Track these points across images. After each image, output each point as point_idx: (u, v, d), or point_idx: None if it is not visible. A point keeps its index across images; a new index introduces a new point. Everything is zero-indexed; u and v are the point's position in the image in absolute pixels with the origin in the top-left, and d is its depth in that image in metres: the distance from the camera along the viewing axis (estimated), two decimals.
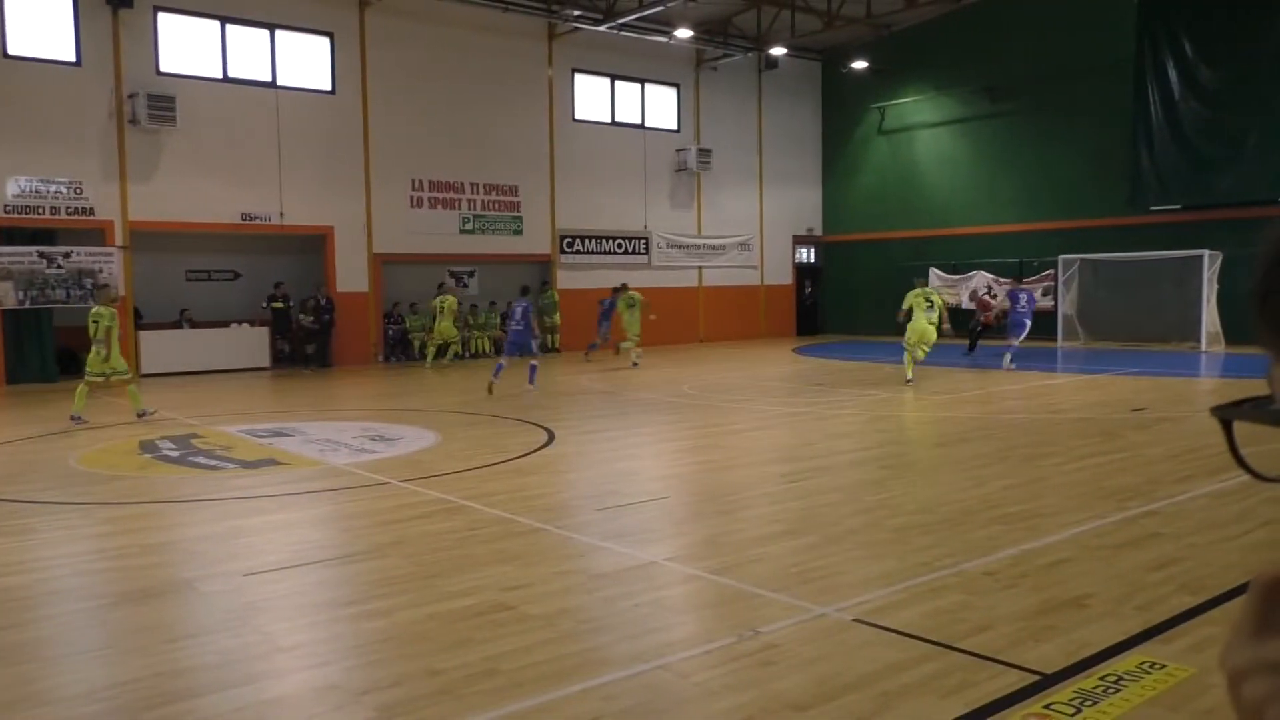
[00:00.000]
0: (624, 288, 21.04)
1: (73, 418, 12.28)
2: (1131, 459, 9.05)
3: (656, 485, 8.48)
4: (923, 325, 15.52)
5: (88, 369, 12.29)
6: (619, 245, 24.98)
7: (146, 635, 4.76)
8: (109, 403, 14.38)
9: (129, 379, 12.61)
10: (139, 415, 12.43)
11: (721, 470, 9.04)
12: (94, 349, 12.22)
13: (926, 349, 15.84)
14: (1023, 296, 18.15)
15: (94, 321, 12.21)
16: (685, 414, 12.92)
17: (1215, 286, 20.16)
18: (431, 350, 20.25)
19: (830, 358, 21.23)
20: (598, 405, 13.67)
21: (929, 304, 15.57)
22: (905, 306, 15.68)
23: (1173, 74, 21.69)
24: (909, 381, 15.52)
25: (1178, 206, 21.89)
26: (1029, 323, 18.00)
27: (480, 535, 6.57)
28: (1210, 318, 20.15)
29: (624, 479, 8.70)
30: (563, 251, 23.92)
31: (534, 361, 15.08)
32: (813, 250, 29.71)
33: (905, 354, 15.95)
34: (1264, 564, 0.75)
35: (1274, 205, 20.57)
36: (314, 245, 20.88)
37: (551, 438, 10.70)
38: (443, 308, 19.89)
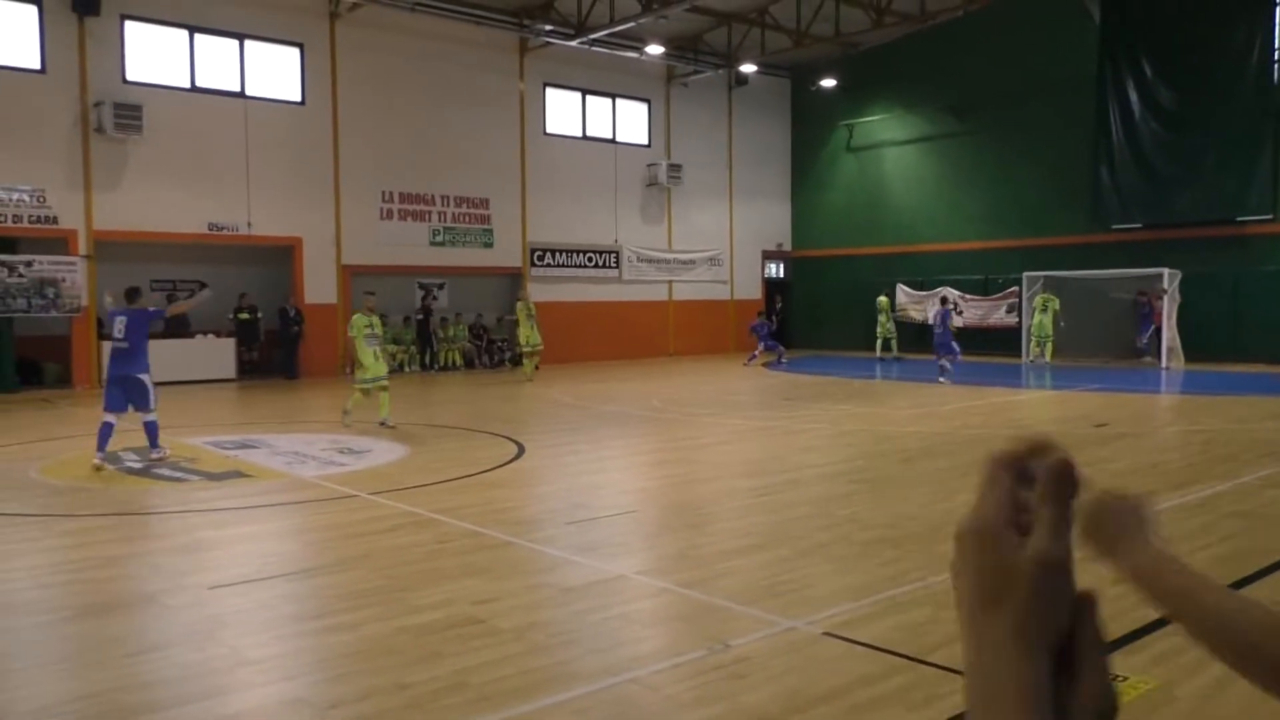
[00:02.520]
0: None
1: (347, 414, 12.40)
2: (1094, 474, 9.01)
3: (626, 499, 8.47)
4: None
5: (369, 374, 12.43)
6: (590, 259, 24.98)
7: (107, 649, 4.67)
8: (69, 413, 14.14)
9: (384, 385, 12.63)
10: (380, 423, 12.36)
11: (691, 484, 9.05)
12: (372, 353, 12.43)
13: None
14: (938, 316, 18.52)
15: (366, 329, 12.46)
16: (655, 428, 12.93)
17: (1177, 302, 20.49)
18: (528, 365, 19.69)
19: (799, 372, 21.33)
20: (567, 419, 13.64)
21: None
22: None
23: (1133, 94, 22.10)
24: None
25: (1138, 225, 22.27)
26: (956, 347, 18.32)
27: (449, 548, 6.52)
28: (1170, 334, 20.47)
29: (593, 492, 8.68)
30: (534, 264, 23.89)
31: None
32: (782, 265, 29.89)
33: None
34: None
35: (1230, 224, 21.00)
36: (282, 256, 20.72)
37: (521, 451, 10.66)
38: (529, 311, 19.72)
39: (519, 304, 20.29)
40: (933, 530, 6.92)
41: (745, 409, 15.12)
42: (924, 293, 25.92)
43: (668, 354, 26.49)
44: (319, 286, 20.80)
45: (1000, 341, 23.91)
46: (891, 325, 24.52)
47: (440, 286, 23.17)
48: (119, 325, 9.87)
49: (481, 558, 6.28)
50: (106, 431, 9.62)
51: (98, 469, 9.49)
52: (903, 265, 26.63)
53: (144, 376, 9.84)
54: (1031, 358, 21.91)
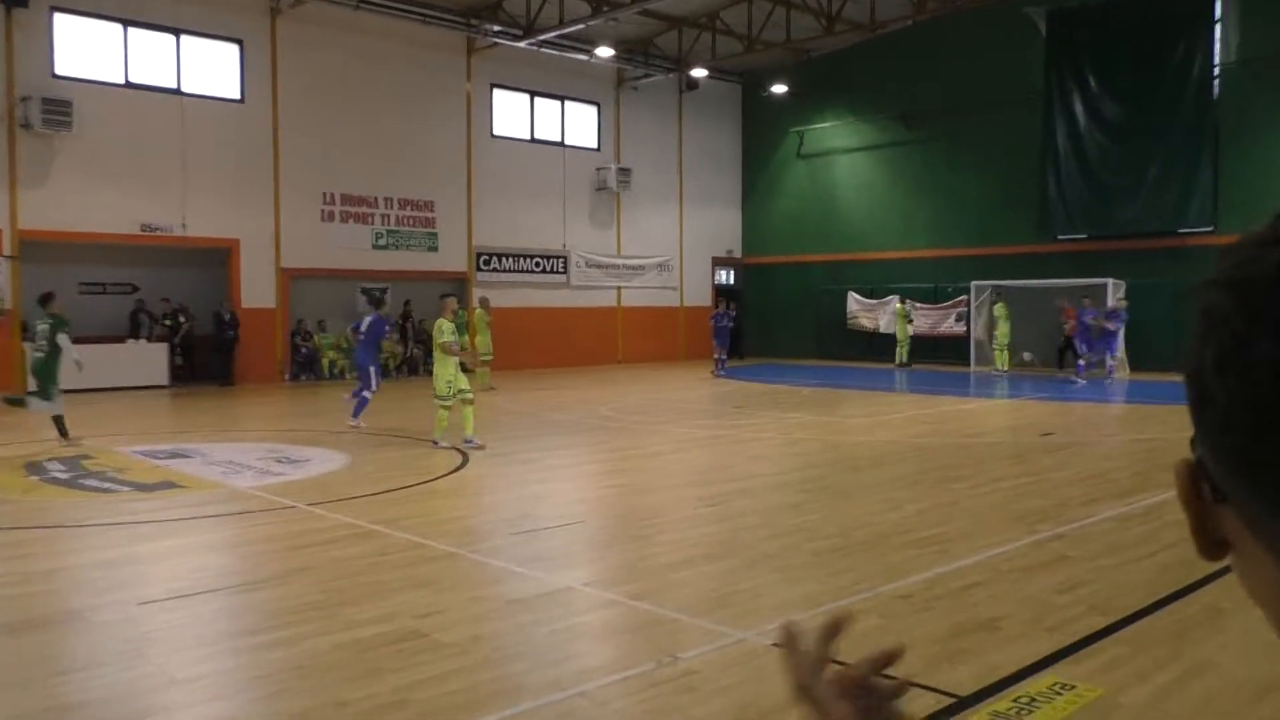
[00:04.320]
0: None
1: (469, 441, 11.32)
2: (1040, 483, 9.33)
3: (573, 509, 8.46)
4: None
5: (458, 385, 11.43)
6: (537, 264, 24.92)
7: (31, 668, 4.54)
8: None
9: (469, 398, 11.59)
10: (465, 442, 11.32)
11: (639, 494, 9.06)
12: (454, 363, 11.45)
13: None
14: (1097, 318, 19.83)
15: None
16: (602, 436, 12.93)
17: (1120, 315, 20.98)
18: (484, 374, 19.19)
19: (749, 380, 21.47)
20: (513, 427, 13.58)
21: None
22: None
23: (1079, 106, 22.62)
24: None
25: (1083, 235, 22.79)
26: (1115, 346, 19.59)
27: (391, 561, 6.45)
28: (1118, 344, 20.99)
29: (539, 502, 8.65)
30: (479, 269, 23.76)
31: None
32: (732, 272, 30.10)
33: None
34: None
35: (1172, 236, 21.58)
36: (218, 258, 20.35)
37: (465, 460, 10.59)
38: (488, 319, 19.42)
39: (478, 310, 20.17)
40: (882, 539, 7.00)
41: (696, 417, 15.18)
42: (874, 300, 26.23)
43: (616, 361, 26.50)
44: (257, 290, 20.46)
45: (950, 350, 24.29)
46: (908, 333, 24.56)
47: (384, 291, 22.94)
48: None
49: (424, 570, 6.22)
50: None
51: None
52: (854, 273, 26.94)
53: None
54: (1003, 367, 22.04)
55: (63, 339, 11.38)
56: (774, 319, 28.80)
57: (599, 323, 26.31)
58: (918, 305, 24.87)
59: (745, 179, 29.68)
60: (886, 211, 26.47)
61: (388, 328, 14.12)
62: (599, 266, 26.31)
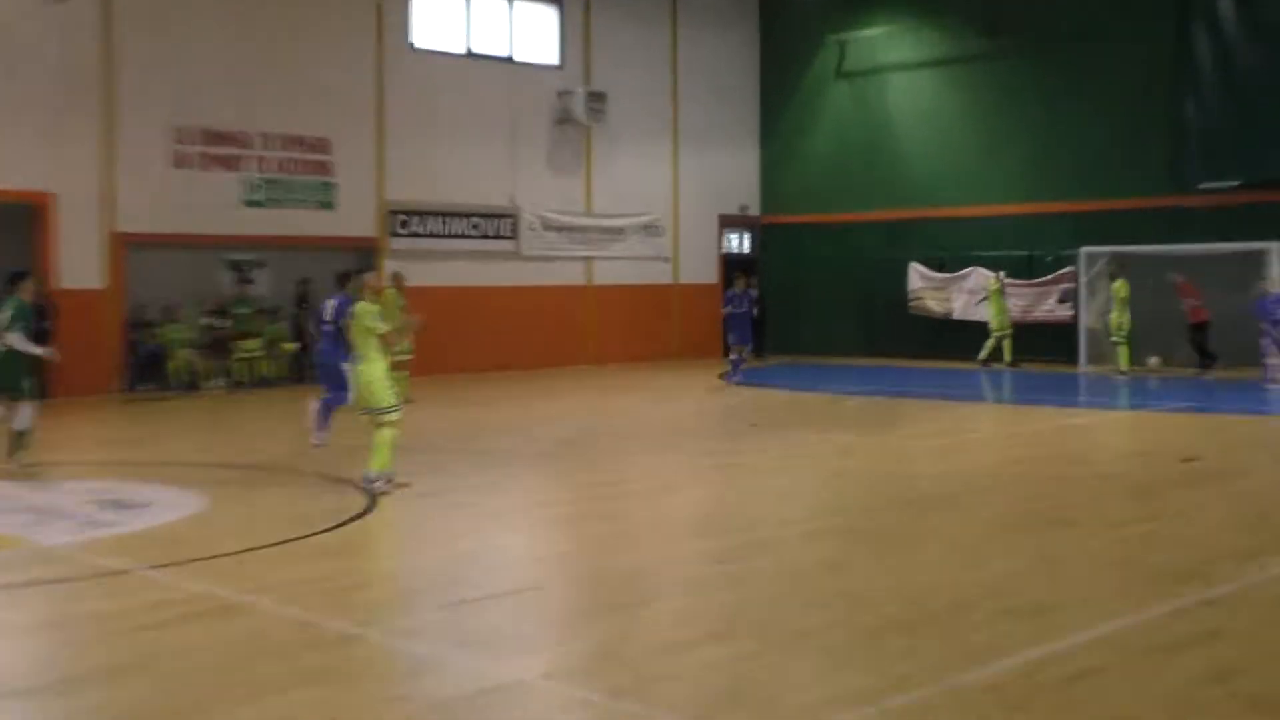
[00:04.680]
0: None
1: None
2: (1181, 528, 9.35)
3: (526, 570, 8.42)
4: None
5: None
6: (474, 226, 24.83)
7: None
8: None
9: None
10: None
11: (619, 548, 9.02)
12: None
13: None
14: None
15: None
16: (567, 468, 12.85)
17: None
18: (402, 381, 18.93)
19: (771, 386, 21.45)
20: (442, 456, 13.50)
21: None
22: None
23: (1227, 5, 22.70)
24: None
25: (1234, 184, 22.86)
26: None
27: (269, 646, 6.39)
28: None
29: (479, 561, 8.61)
30: (394, 234, 23.66)
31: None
32: (747, 236, 30.00)
33: None
34: None
35: None
36: (20, 220, 20.17)
37: (371, 504, 10.51)
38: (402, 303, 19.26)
39: (387, 291, 19.98)
40: (959, 609, 6.97)
41: (695, 440, 15.09)
42: (946, 275, 26.28)
43: (586, 361, 26.45)
44: (78, 265, 20.26)
45: (1051, 342, 24.35)
46: (1006, 318, 24.50)
47: (257, 265, 22.77)
48: None
49: (317, 659, 6.16)
50: None
51: None
52: (917, 236, 27.00)
53: None
54: (1126, 367, 22.09)
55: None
56: (805, 301, 28.82)
57: (562, 308, 26.21)
58: (1008, 281, 24.90)
59: (765, 107, 29.67)
60: (961, 152, 26.51)
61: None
62: (561, 229, 26.22)
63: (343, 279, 15.49)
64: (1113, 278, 22.73)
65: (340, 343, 13.58)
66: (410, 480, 11.19)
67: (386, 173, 23.58)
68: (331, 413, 13.54)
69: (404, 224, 23.90)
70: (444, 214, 24.42)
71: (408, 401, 18.36)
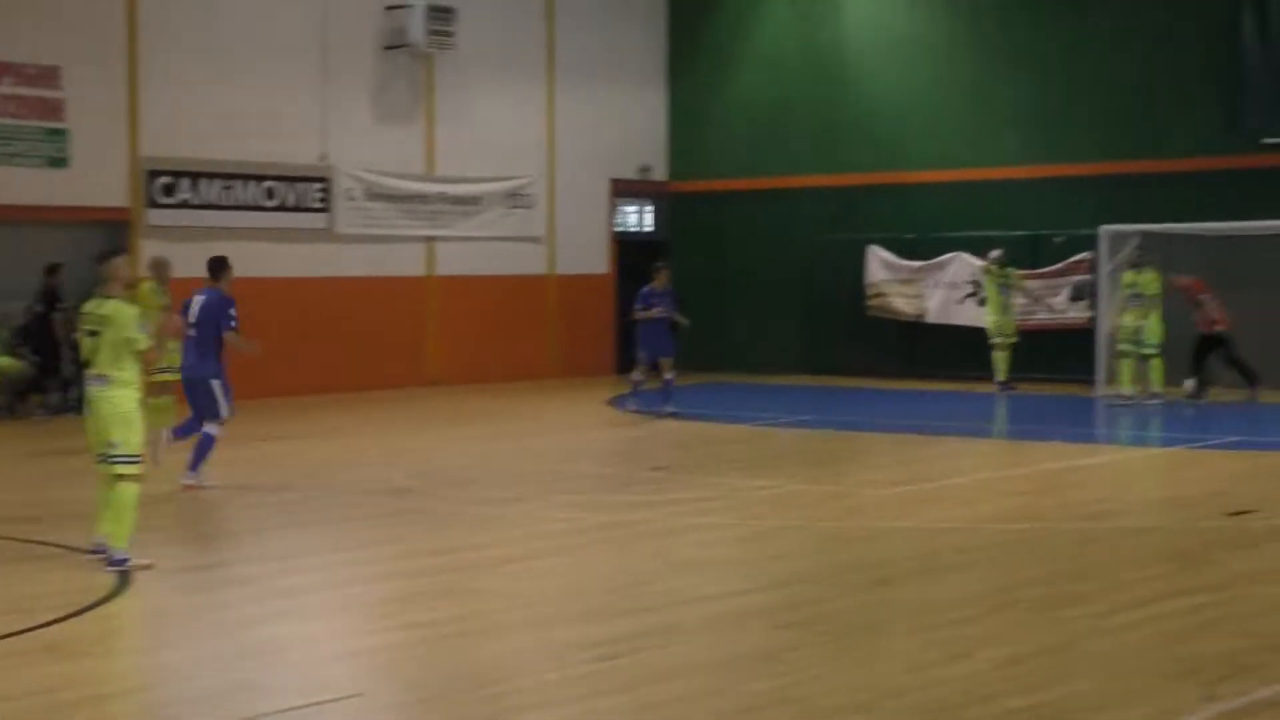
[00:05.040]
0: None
1: None
2: (1229, 605, 9.52)
3: (342, 671, 8.38)
4: None
5: None
6: (270, 193, 24.65)
7: None
8: None
9: None
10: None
11: (473, 639, 9.03)
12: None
13: None
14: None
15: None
16: (399, 529, 12.82)
17: None
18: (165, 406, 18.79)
19: (683, 416, 21.36)
20: (224, 513, 13.43)
21: None
22: None
23: None
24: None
25: None
26: None
27: None
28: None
29: (275, 660, 8.57)
30: (153, 203, 23.42)
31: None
32: (651, 209, 30.12)
33: None
34: None
35: None
36: None
37: (124, 582, 10.41)
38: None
39: (145, 285, 19.73)
40: (937, 715, 7.10)
41: (579, 489, 15.11)
42: (918, 263, 26.57)
43: (427, 381, 26.33)
44: None
45: (1059, 352, 24.62)
46: (1010, 318, 24.53)
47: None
48: None
49: None
50: None
51: None
52: (880, 210, 27.32)
53: None
54: (1154, 389, 22.32)
55: None
56: (728, 299, 28.83)
57: (394, 307, 26.06)
58: (1003, 268, 24.83)
59: (674, 32, 29.82)
60: (942, 95, 26.89)
61: (232, 311, 15.09)
62: (393, 199, 26.17)
63: (216, 271, 15.63)
64: (1136, 267, 22.81)
65: (209, 352, 14.66)
66: (165, 555, 11.09)
67: (142, 118, 23.33)
68: (212, 445, 14.44)
69: (168, 190, 23.65)
70: (225, 176, 24.20)
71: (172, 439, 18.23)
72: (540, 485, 15.24)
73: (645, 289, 22.14)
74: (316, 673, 8.33)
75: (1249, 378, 21.99)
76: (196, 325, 14.67)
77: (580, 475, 16.52)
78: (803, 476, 15.63)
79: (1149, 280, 22.49)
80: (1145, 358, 22.45)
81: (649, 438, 19.41)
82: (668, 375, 21.53)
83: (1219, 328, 21.83)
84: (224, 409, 14.74)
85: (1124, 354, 22.56)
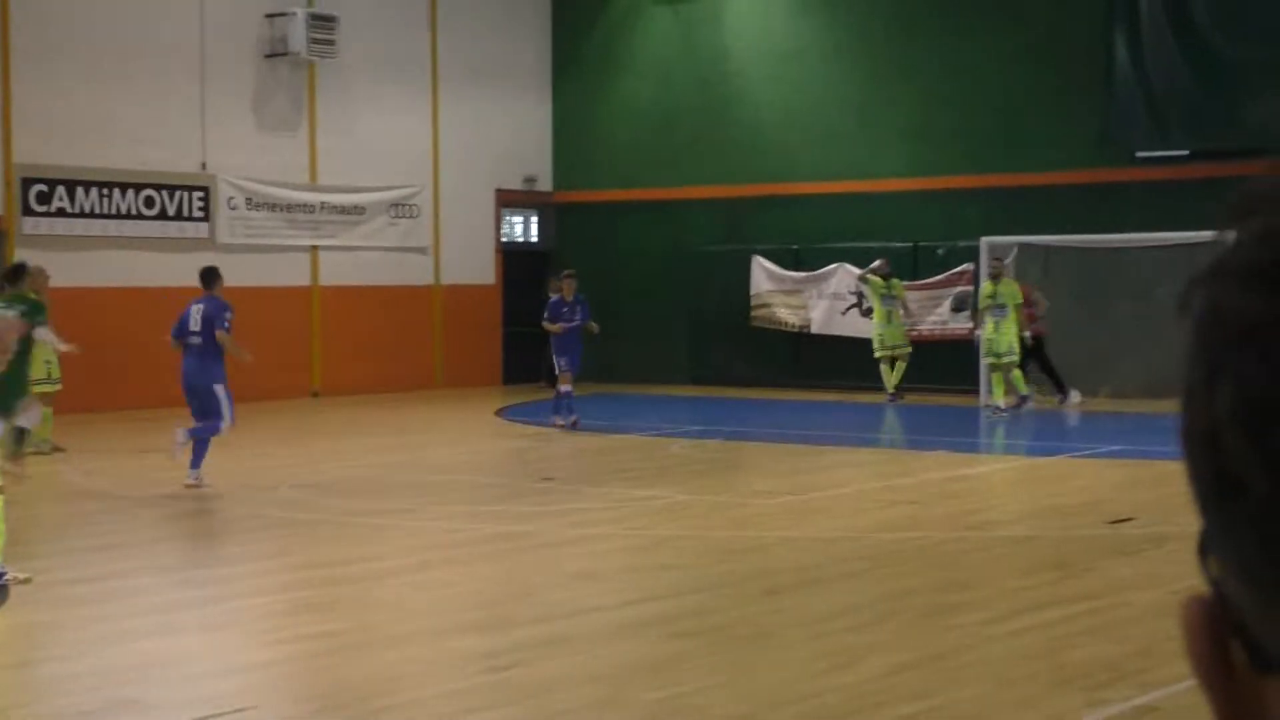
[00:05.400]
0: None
1: None
2: (1109, 612, 9.67)
3: (230, 685, 8.30)
4: None
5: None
6: (149, 201, 24.37)
7: None
8: None
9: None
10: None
11: (362, 650, 9.00)
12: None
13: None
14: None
15: None
16: (285, 541, 12.77)
17: None
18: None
19: (567, 427, 21.39)
20: (104, 526, 13.26)
21: None
22: None
23: None
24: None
25: (1183, 153, 23.78)
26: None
27: None
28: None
29: (160, 673, 8.47)
30: (27, 212, 23.11)
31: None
32: (536, 220, 30.09)
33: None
34: None
35: None
36: None
37: (2, 594, 10.23)
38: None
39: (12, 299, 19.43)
40: None
41: (469, 500, 15.09)
42: (802, 274, 26.73)
43: (312, 392, 26.14)
44: None
45: (945, 363, 24.84)
46: (898, 329, 24.34)
47: None
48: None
49: None
50: None
51: None
52: (763, 222, 27.42)
53: None
54: (1003, 403, 22.28)
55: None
56: (613, 309, 28.71)
57: (278, 319, 25.79)
58: (886, 280, 24.88)
59: (559, 42, 29.82)
60: (827, 108, 27.00)
61: (228, 314, 16.11)
62: (276, 208, 25.99)
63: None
64: (994, 278, 22.75)
65: (211, 359, 15.67)
66: (45, 569, 10.96)
67: (15, 125, 23.03)
68: (206, 446, 15.27)
69: (43, 198, 23.34)
70: (103, 184, 23.91)
71: (55, 450, 17.99)
72: (430, 497, 15.18)
73: (554, 299, 21.78)
74: (203, 687, 8.25)
75: (1059, 385, 22.52)
76: (200, 332, 15.56)
77: (470, 486, 16.50)
78: (691, 487, 15.66)
79: (1007, 290, 22.56)
80: (1006, 367, 22.42)
81: (538, 449, 19.41)
82: (565, 388, 21.16)
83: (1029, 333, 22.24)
84: (226, 413, 15.48)
85: (992, 365, 22.50)
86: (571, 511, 14.09)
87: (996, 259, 22.97)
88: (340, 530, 13.30)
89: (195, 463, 15.09)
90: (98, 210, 23.87)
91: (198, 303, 15.81)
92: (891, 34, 26.27)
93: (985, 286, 22.61)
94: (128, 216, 24.18)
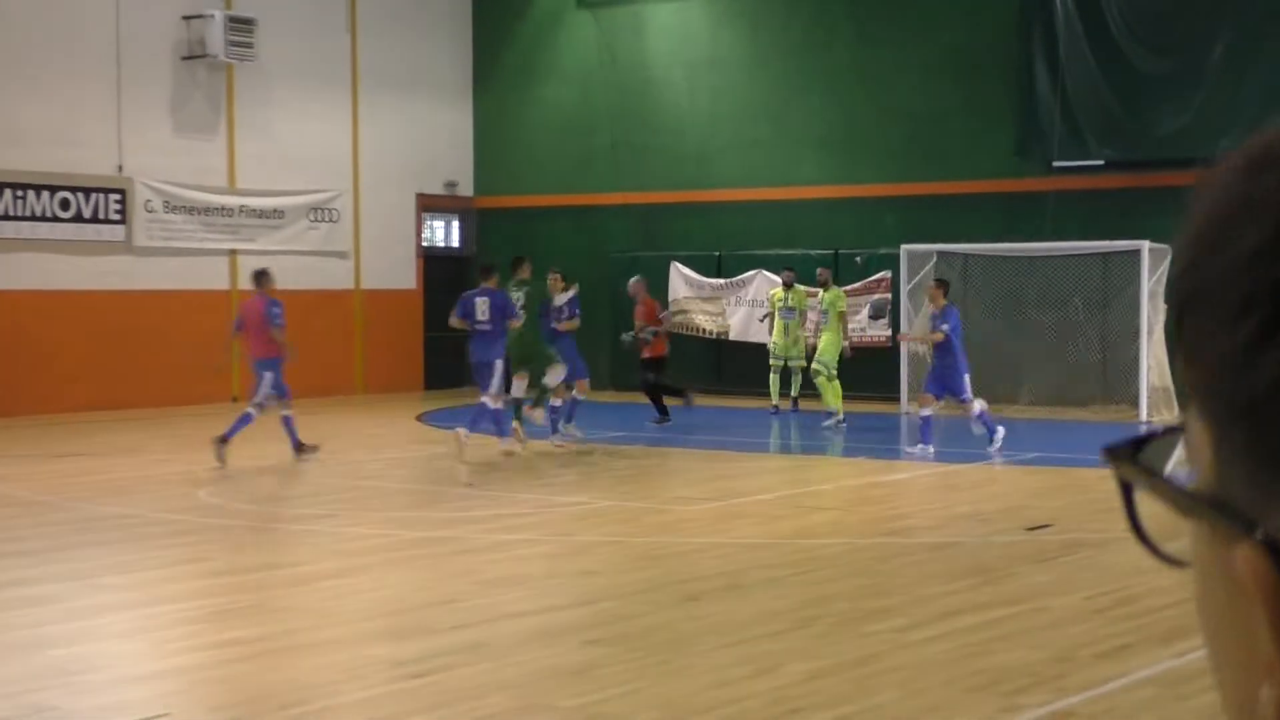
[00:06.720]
0: None
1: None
2: (1027, 618, 9.75)
3: (145, 691, 8.27)
4: None
5: None
6: (64, 204, 24.17)
7: None
8: None
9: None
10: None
11: (279, 656, 8.97)
12: None
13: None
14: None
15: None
16: (206, 546, 12.66)
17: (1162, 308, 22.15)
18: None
19: (488, 432, 21.33)
20: (16, 531, 13.20)
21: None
22: None
23: None
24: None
25: (1099, 163, 24.09)
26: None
27: None
28: (1156, 362, 22.15)
29: (75, 679, 8.39)
30: None
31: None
32: (457, 224, 30.09)
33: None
34: None
35: None
36: None
37: None
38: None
39: None
40: None
41: (390, 506, 15.06)
42: (720, 280, 26.84)
43: (231, 397, 25.99)
44: None
45: (863, 369, 24.95)
46: (797, 339, 24.00)
47: None
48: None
49: None
50: None
51: None
52: (682, 228, 27.56)
53: None
54: (834, 410, 22.07)
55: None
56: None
57: (196, 323, 25.61)
58: (787, 289, 24.58)
59: (479, 45, 29.83)
60: (746, 114, 27.13)
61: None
62: (194, 211, 25.84)
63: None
64: (824, 286, 22.88)
65: (495, 342, 18.56)
66: None
67: None
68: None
69: None
70: (17, 186, 23.73)
71: None
72: (350, 502, 15.17)
73: (543, 303, 20.95)
74: (118, 693, 8.22)
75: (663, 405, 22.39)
76: (488, 322, 18.54)
77: (390, 492, 16.48)
78: (612, 493, 15.72)
79: (832, 299, 22.67)
80: (831, 377, 22.13)
81: (457, 454, 19.35)
82: (577, 395, 20.50)
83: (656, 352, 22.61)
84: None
85: (817, 373, 22.30)
86: (492, 518, 14.10)
87: (822, 267, 23.38)
88: (259, 536, 13.27)
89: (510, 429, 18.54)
90: (11, 213, 23.67)
91: (481, 296, 18.76)
92: (810, 44, 26.44)
93: (823, 296, 22.76)
94: (42, 219, 23.99)
